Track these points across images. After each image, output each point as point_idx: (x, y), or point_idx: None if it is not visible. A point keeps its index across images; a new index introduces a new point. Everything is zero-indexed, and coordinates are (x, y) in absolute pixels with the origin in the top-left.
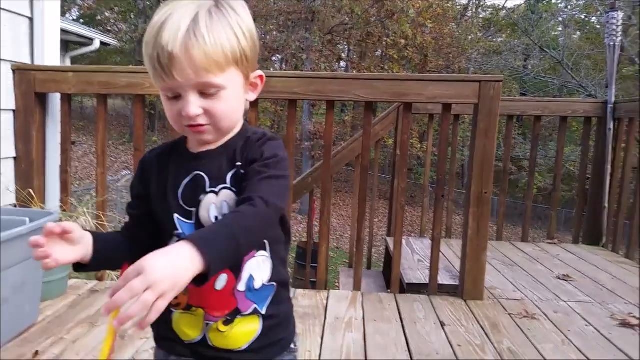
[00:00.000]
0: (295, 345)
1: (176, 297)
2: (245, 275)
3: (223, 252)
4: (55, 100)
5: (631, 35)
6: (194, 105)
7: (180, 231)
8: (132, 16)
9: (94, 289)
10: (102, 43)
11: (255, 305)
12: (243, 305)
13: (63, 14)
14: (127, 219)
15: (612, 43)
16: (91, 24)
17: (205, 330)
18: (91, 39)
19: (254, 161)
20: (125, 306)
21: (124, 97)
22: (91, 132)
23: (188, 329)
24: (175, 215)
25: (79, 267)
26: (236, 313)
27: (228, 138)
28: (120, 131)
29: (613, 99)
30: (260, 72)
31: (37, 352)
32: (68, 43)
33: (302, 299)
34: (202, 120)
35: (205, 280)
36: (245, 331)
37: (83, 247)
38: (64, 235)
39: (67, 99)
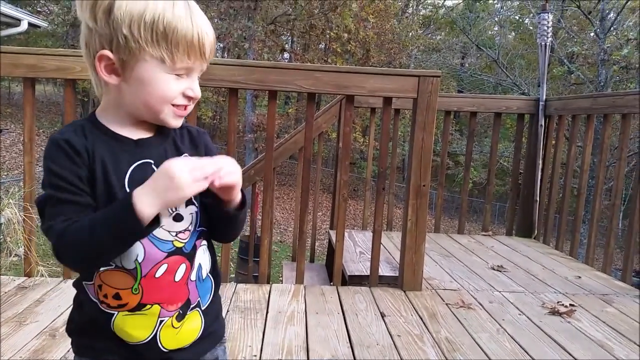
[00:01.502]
0: (225, 336)
1: (120, 298)
2: (196, 263)
3: None
4: None
5: (560, 38)
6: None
7: None
8: None
9: (22, 286)
10: (30, 24)
11: (199, 298)
12: (193, 296)
13: None
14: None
15: (543, 43)
16: (18, 3)
17: (157, 329)
18: (18, 20)
19: None
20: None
21: (56, 82)
22: (20, 119)
23: (134, 331)
24: None
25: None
26: (187, 305)
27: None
28: (51, 119)
29: (544, 97)
30: None
31: None
32: None
33: (243, 294)
34: (192, 102)
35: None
36: (191, 329)
37: None
38: None
39: None
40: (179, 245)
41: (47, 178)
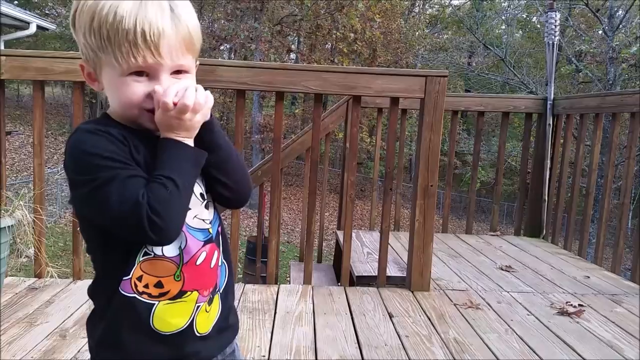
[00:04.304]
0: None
1: (163, 286)
2: (220, 249)
3: None
4: None
5: (568, 36)
6: None
7: None
8: None
9: (32, 287)
10: (39, 27)
11: (219, 282)
12: (218, 280)
13: None
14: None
15: (550, 42)
16: (27, 6)
17: (194, 314)
18: (27, 23)
19: None
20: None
21: (64, 84)
22: (28, 121)
23: (174, 318)
24: None
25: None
26: (215, 289)
27: None
28: (60, 121)
29: (552, 96)
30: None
31: None
32: (0, 26)
33: (251, 295)
34: None
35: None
36: (215, 312)
37: None
38: None
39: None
40: (212, 232)
41: (93, 168)
